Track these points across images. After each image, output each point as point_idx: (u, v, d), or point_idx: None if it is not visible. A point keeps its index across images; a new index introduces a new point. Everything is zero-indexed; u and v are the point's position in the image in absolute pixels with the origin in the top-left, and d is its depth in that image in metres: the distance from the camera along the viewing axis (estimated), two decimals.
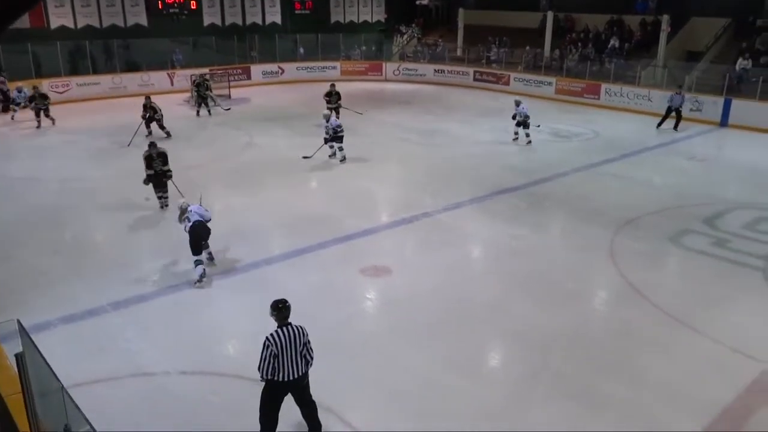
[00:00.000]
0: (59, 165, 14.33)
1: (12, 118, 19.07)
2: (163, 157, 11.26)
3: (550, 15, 26.31)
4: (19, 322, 4.58)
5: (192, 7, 26.39)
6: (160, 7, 25.48)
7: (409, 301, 8.12)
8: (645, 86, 21.61)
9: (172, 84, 24.26)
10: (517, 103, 16.43)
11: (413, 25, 32.38)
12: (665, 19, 22.63)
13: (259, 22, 28.72)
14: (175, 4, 25.95)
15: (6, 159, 14.91)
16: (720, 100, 19.27)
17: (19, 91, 19.53)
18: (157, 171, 11.12)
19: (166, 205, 11.33)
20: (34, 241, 9.94)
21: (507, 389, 6.43)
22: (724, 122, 19.10)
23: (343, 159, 14.52)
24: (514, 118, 16.43)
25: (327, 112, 15.23)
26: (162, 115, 16.73)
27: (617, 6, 26.10)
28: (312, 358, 5.32)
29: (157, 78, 23.93)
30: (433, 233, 10.50)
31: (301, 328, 5.27)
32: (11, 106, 19.49)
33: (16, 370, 4.08)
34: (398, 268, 9.03)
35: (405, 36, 31.96)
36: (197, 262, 8.42)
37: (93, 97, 22.39)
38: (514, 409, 6.07)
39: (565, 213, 11.64)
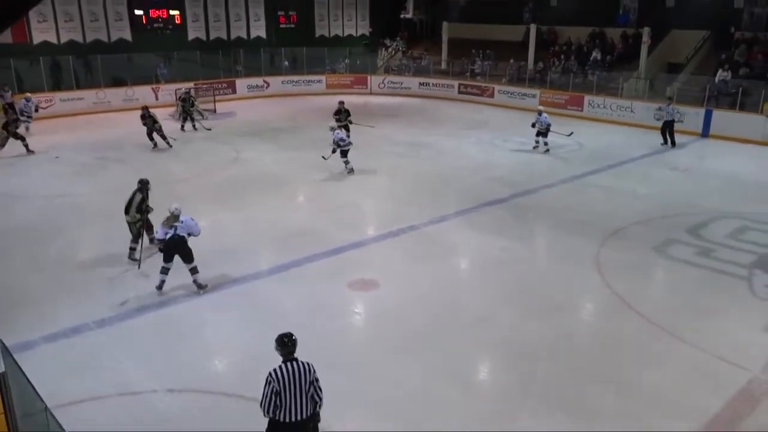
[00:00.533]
0: (43, 180, 14.19)
1: (27, 129, 18.36)
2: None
3: (533, 28, 26.63)
4: (1, 341, 4.51)
5: (176, 22, 26.38)
6: (144, 22, 25.44)
7: (397, 313, 8.11)
8: (627, 98, 21.87)
9: (156, 98, 24.15)
10: (539, 113, 16.94)
11: (398, 38, 32.61)
12: (646, 31, 22.98)
13: (244, 36, 28.75)
14: (160, 19, 25.93)
15: None
16: (701, 111, 19.54)
17: (27, 100, 19.12)
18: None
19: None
20: (17, 258, 9.82)
21: (495, 400, 6.44)
22: (705, 133, 19.36)
23: (351, 171, 14.66)
24: (533, 126, 16.95)
25: (333, 124, 15.31)
26: (161, 125, 16.66)
27: (599, 19, 26.46)
28: (321, 399, 4.86)
29: (142, 93, 23.82)
30: (420, 246, 10.51)
31: (308, 364, 4.82)
32: (21, 118, 18.29)
33: None
34: (385, 281, 9.01)
35: (390, 49, 32.16)
36: (163, 270, 8.43)
37: (77, 113, 22.26)
38: (503, 419, 6.07)
39: (551, 224, 11.70)
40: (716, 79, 20.62)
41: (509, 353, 7.21)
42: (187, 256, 8.43)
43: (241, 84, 26.83)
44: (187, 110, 19.80)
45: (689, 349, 7.29)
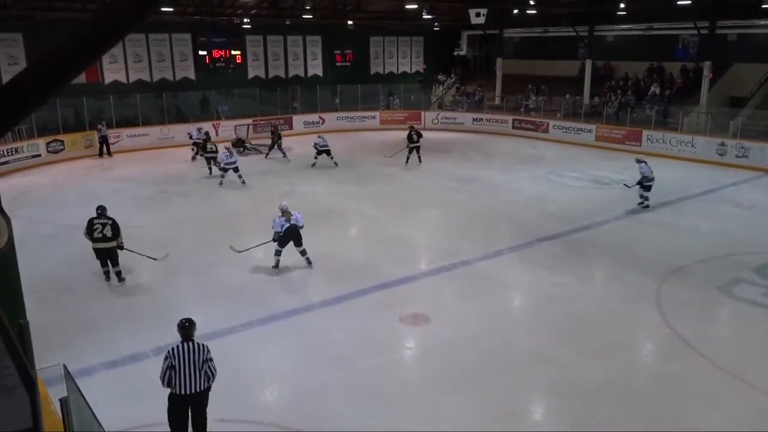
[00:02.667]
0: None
1: (193, 159, 20.91)
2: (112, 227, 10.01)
3: (588, 63, 26.41)
4: (65, 366, 4.69)
5: (237, 62, 27.43)
6: (207, 61, 26.56)
7: (448, 349, 8.01)
8: (688, 132, 21.31)
9: (217, 134, 24.97)
10: (638, 161, 14.87)
11: (452, 74, 32.90)
12: (707, 65, 22.42)
13: (302, 74, 29.62)
14: (222, 59, 27.02)
15: (59, 207, 15.47)
16: (767, 147, 18.82)
17: (199, 130, 21.43)
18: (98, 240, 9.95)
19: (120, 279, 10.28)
20: (81, 285, 10.22)
21: None
22: None
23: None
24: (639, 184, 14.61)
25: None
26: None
27: (657, 54, 26.03)
28: (213, 375, 5.64)
29: (203, 128, 24.68)
30: (473, 281, 10.40)
31: (202, 345, 5.61)
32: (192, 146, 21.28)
33: (60, 414, 4.15)
34: (437, 316, 8.94)
35: (443, 85, 32.45)
36: (277, 252, 10.71)
37: (142, 148, 23.26)
38: None
39: (608, 261, 11.40)
40: None
41: (564, 394, 6.99)
42: (299, 241, 10.72)
43: (298, 120, 27.51)
44: (275, 141, 21.30)
45: (756, 394, 6.90)
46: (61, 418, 4.13)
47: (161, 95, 24.79)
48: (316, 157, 19.57)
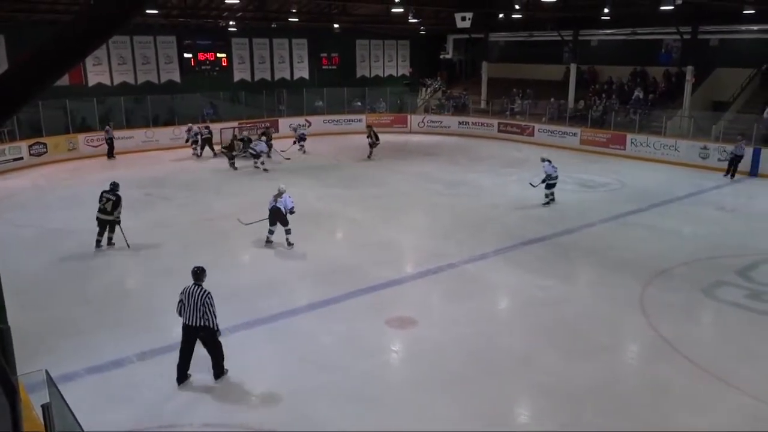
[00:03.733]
0: (92, 216, 14.60)
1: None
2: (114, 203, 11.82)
3: (573, 67, 26.62)
4: (47, 372, 4.62)
5: (223, 64, 27.31)
6: (192, 64, 26.41)
7: (435, 352, 8.01)
8: (671, 136, 21.53)
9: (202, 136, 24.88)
10: (542, 160, 15.65)
11: (437, 78, 33.00)
12: (690, 69, 22.70)
13: (288, 77, 29.58)
14: (207, 62, 26.88)
15: (42, 210, 15.29)
16: (749, 150, 19.07)
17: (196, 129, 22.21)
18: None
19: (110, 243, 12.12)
20: (65, 290, 10.10)
21: None
22: (754, 172, 18.86)
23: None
24: (543, 182, 15.45)
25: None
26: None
27: (640, 58, 26.34)
28: (209, 320, 7.00)
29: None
30: (459, 284, 10.42)
31: (205, 291, 7.03)
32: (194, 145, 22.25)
33: (42, 420, 4.09)
34: (424, 319, 8.94)
35: (429, 89, 32.54)
36: (269, 231, 12.01)
37: (126, 150, 23.07)
38: None
39: (593, 263, 11.48)
40: (765, 117, 20.16)
41: (550, 396, 7.01)
42: (284, 221, 11.75)
43: (284, 123, 27.44)
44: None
45: (740, 396, 6.97)
46: (43, 424, 4.07)
47: (146, 98, 24.60)
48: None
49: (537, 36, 29.03)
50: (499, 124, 27.19)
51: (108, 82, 24.58)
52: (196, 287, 7.04)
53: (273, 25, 27.03)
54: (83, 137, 22.48)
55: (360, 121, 28.70)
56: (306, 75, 30.16)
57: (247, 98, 27.65)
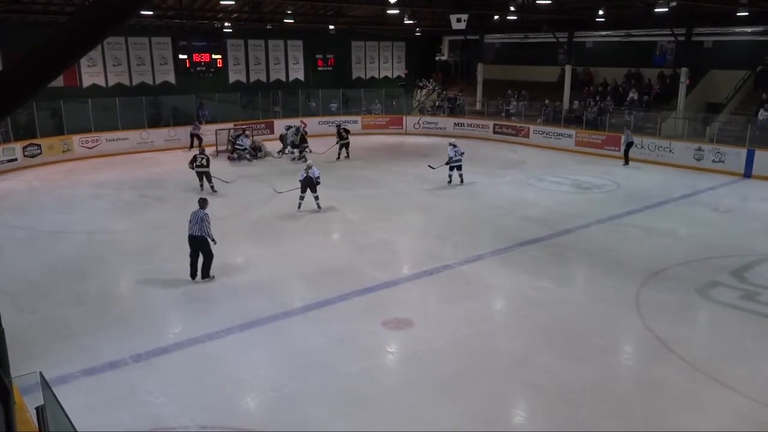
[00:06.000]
0: (87, 217, 14.62)
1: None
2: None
3: (568, 69, 26.68)
4: (41, 374, 4.60)
5: (218, 66, 27.25)
6: (187, 65, 26.33)
7: (431, 353, 8.01)
8: (665, 138, 21.60)
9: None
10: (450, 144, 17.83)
11: (433, 79, 33.03)
12: (684, 71, 22.78)
13: (283, 78, 29.55)
14: (202, 63, 26.82)
15: (36, 212, 15.23)
16: (743, 151, 19.15)
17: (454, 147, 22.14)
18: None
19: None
20: (59, 292, 10.07)
21: None
22: (747, 173, 18.92)
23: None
24: (447, 164, 17.57)
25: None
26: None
27: (635, 60, 26.43)
28: (204, 230, 9.91)
29: (184, 133, 24.53)
30: (455, 285, 10.42)
31: (204, 213, 10.05)
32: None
33: (36, 423, 4.07)
34: (420, 321, 8.94)
35: (425, 90, 32.55)
36: (301, 198, 14.65)
37: (121, 152, 23.01)
38: None
39: (589, 264, 11.50)
40: (758, 118, 20.25)
41: (546, 397, 7.02)
42: (313, 188, 14.49)
43: (279, 124, 27.38)
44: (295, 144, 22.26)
45: (735, 396, 6.99)
46: (37, 426, 4.05)
47: (141, 99, 24.54)
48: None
49: (532, 37, 29.10)
50: (494, 125, 27.21)
51: (103, 83, 24.50)
52: (200, 210, 10.01)
53: (268, 27, 26.99)
54: (77, 138, 22.39)
55: (356, 122, 28.70)
56: (301, 76, 30.14)
57: (242, 99, 27.62)
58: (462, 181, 17.65)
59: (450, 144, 17.80)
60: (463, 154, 17.53)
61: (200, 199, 10.31)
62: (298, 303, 9.67)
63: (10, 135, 20.51)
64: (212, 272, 10.38)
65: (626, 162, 20.90)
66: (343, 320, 9.01)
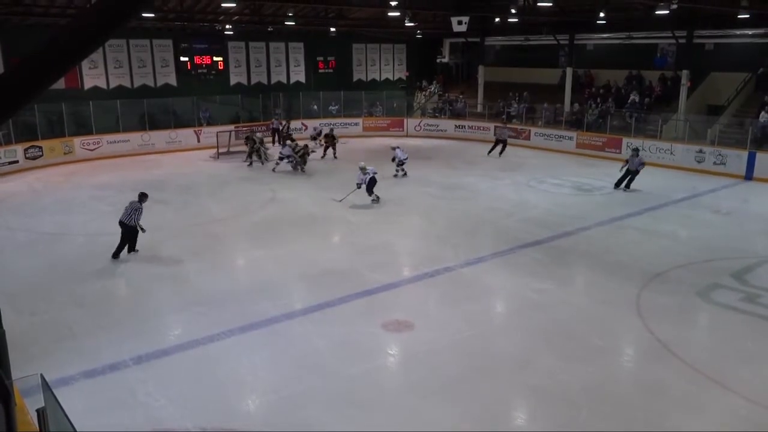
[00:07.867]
0: (87, 219, 14.64)
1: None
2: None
3: (569, 71, 26.69)
4: (42, 376, 4.60)
5: (219, 68, 27.29)
6: (189, 67, 26.38)
7: (432, 355, 8.01)
8: (666, 140, 21.60)
9: (198, 141, 24.91)
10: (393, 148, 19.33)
11: (434, 81, 33.04)
12: (685, 74, 22.79)
13: (284, 81, 29.59)
14: (204, 65, 26.87)
15: (37, 214, 15.24)
16: (744, 154, 19.16)
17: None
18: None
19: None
20: (60, 294, 10.07)
21: None
22: (748, 176, 18.93)
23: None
24: (393, 160, 19.08)
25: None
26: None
27: (636, 62, 26.44)
28: (132, 219, 11.28)
29: (185, 135, 24.59)
30: (456, 287, 10.42)
31: (138, 205, 11.37)
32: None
33: (37, 425, 4.07)
34: (420, 323, 8.94)
35: (426, 92, 32.56)
36: (369, 194, 15.38)
37: (122, 154, 23.04)
38: None
39: (589, 266, 11.50)
40: (760, 121, 20.25)
41: (546, 399, 7.02)
42: (375, 186, 15.36)
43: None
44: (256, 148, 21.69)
45: (736, 398, 6.99)
46: (38, 428, 4.06)
47: (142, 101, 24.58)
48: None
49: (533, 40, 29.10)
50: (495, 127, 27.14)
51: (104, 86, 24.53)
52: (135, 201, 11.35)
53: (269, 29, 27.05)
54: (79, 141, 22.42)
55: (357, 124, 28.74)
56: (302, 79, 30.17)
57: (243, 102, 27.65)
58: (406, 174, 19.23)
59: (395, 147, 19.47)
60: (407, 158, 19.25)
61: (140, 193, 11.54)
62: (298, 305, 9.68)
63: (11, 137, 20.53)
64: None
65: (627, 187, 17.41)
66: (344, 322, 9.01)
